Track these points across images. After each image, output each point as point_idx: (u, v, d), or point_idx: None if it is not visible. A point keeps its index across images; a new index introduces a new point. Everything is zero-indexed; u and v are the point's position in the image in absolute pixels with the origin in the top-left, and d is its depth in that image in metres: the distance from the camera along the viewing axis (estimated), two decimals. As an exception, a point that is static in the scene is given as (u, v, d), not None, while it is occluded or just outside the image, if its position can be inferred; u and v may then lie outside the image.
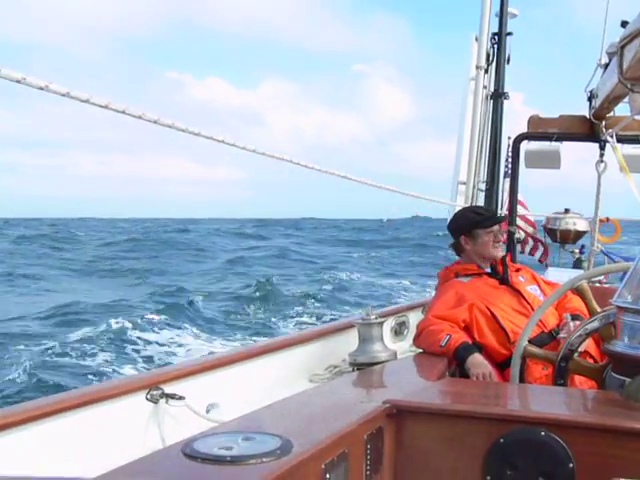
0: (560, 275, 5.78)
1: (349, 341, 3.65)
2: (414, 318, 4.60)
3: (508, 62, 6.13)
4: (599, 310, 3.03)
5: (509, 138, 6.56)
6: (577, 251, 8.08)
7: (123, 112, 1.93)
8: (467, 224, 3.84)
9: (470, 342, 3.31)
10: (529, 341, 3.11)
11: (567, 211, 8.13)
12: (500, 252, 3.78)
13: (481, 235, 3.76)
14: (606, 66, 4.55)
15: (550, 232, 8.05)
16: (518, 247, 7.75)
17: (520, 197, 8.32)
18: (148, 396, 2.68)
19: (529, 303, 3.54)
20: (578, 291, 3.18)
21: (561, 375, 2.99)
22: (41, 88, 1.66)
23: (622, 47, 3.51)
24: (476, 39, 6.09)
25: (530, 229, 8.41)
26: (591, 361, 3.20)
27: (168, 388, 2.74)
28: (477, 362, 3.21)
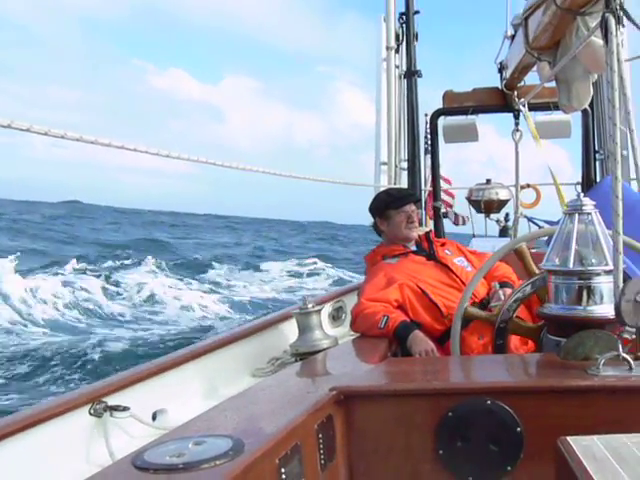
0: (484, 244, 5.90)
1: (288, 332, 3.65)
2: (350, 302, 4.61)
3: (416, 39, 6.19)
4: (537, 272, 3.11)
5: (426, 115, 6.66)
6: (502, 219, 8.26)
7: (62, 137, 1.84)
8: (379, 205, 3.90)
9: (408, 320, 3.35)
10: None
11: (488, 182, 8.28)
12: (414, 232, 3.81)
13: (393, 216, 3.80)
14: (512, 37, 4.65)
15: (474, 203, 8.20)
16: (449, 221, 7.89)
17: (442, 172, 8.47)
18: (91, 411, 2.61)
19: (457, 276, 3.60)
20: (517, 254, 3.24)
21: (501, 336, 3.06)
22: None
23: (526, 18, 3.60)
24: (384, 20, 6.12)
25: (450, 199, 8.56)
26: None
27: (111, 400, 2.67)
28: (418, 339, 3.25)
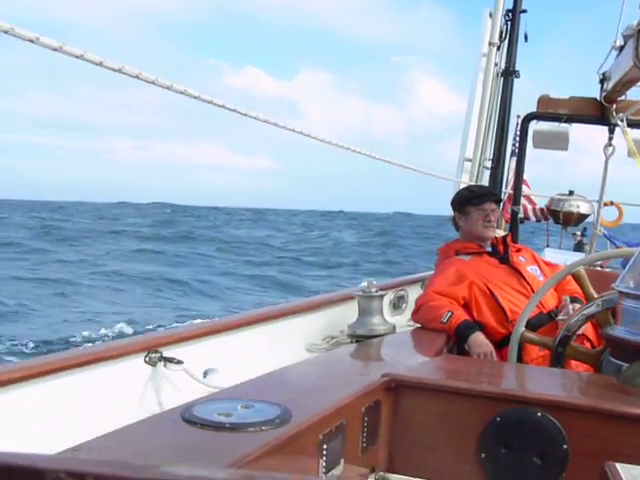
0: (558, 256, 5.78)
1: (347, 313, 3.66)
2: (413, 292, 4.60)
3: (526, 40, 6.05)
4: (595, 295, 3.03)
5: (518, 117, 6.52)
6: (579, 234, 8.07)
7: (168, 88, 1.90)
8: (460, 200, 3.88)
9: (471, 320, 3.32)
10: (528, 321, 3.12)
11: (571, 193, 8.10)
12: (491, 232, 3.78)
13: (471, 212, 3.77)
14: (621, 48, 4.50)
15: (553, 213, 8.03)
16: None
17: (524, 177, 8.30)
18: (147, 359, 2.68)
19: (529, 283, 3.54)
20: (574, 276, 3.18)
21: (558, 361, 2.99)
22: (55, 49, 1.63)
23: (639, 30, 3.48)
24: (490, 15, 6.01)
25: (534, 218, 8.41)
26: (588, 345, 3.21)
27: (167, 351, 2.74)
28: (479, 341, 3.22)
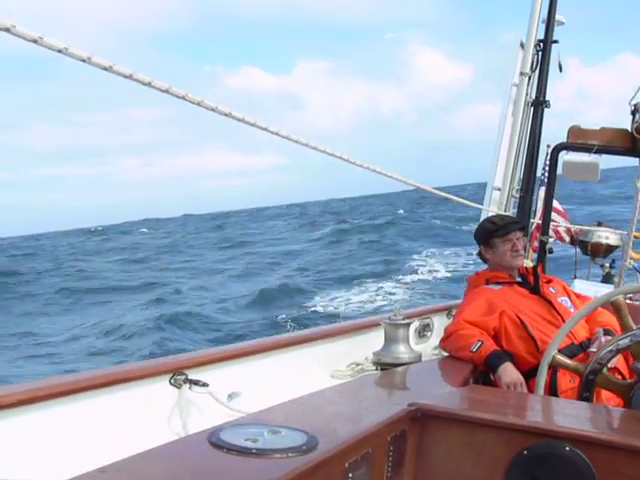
0: (587, 288, 5.71)
1: (372, 340, 3.64)
2: (438, 321, 4.59)
3: (560, 70, 6.04)
4: (634, 327, 2.99)
5: (548, 146, 6.49)
6: (607, 265, 7.99)
7: (183, 98, 1.92)
8: (484, 234, 3.87)
9: (501, 350, 3.29)
10: (558, 351, 3.08)
11: (600, 224, 8.04)
12: (519, 261, 3.77)
13: (498, 244, 3.76)
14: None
15: (581, 244, 7.97)
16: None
17: (558, 205, 8.23)
18: (172, 380, 2.68)
19: (560, 314, 3.51)
20: (614, 306, 3.13)
21: (588, 388, 2.95)
22: (83, 60, 1.65)
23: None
24: (522, 45, 6.01)
25: (568, 238, 8.33)
26: (620, 378, 3.16)
27: (192, 374, 2.75)
28: (509, 371, 3.20)
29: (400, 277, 24.81)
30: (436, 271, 25.70)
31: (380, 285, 23.35)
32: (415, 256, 30.27)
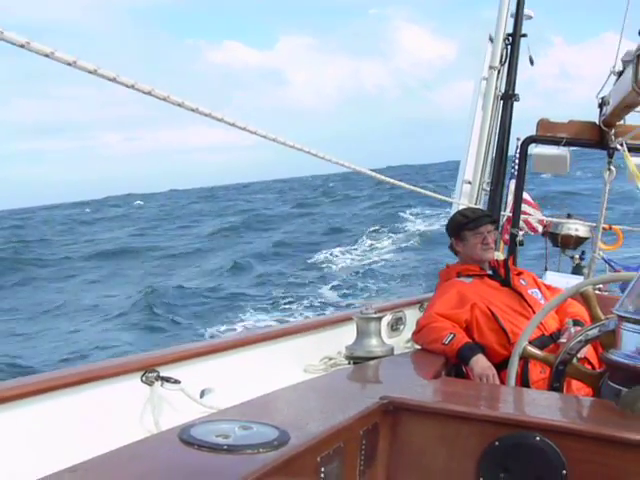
0: (558, 280, 5.76)
1: (345, 334, 3.65)
2: (411, 314, 4.60)
3: (532, 64, 6.10)
4: (602, 317, 3.02)
5: (518, 139, 6.54)
6: (577, 257, 8.06)
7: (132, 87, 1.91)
8: (455, 226, 3.90)
9: (472, 342, 3.32)
10: (529, 342, 3.11)
11: (570, 216, 8.11)
12: (490, 254, 3.81)
13: (469, 237, 3.79)
14: (620, 74, 4.53)
15: (551, 236, 8.03)
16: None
17: (528, 197, 8.30)
18: (143, 378, 2.67)
19: (530, 306, 3.55)
20: (583, 297, 3.16)
21: (558, 379, 2.98)
22: (46, 55, 1.65)
23: (638, 56, 3.50)
24: (491, 39, 6.04)
25: (540, 228, 8.40)
26: (589, 368, 3.20)
27: (163, 371, 2.73)
28: (481, 363, 3.22)
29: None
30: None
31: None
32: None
